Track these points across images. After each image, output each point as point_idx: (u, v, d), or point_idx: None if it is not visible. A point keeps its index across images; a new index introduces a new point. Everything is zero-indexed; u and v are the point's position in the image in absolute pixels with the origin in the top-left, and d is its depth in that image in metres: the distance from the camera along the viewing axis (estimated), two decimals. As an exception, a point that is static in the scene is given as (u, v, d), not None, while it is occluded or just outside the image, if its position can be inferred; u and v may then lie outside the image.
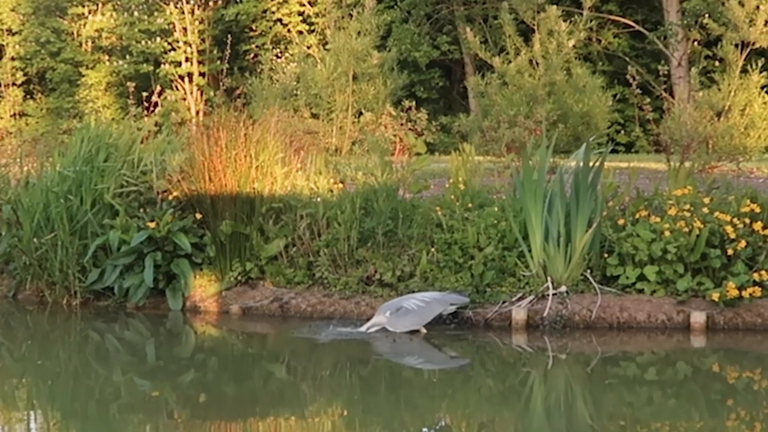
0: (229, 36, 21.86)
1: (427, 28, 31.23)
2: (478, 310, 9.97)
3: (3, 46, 35.30)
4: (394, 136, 19.27)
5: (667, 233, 9.84)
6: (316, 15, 31.07)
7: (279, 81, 26.20)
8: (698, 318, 9.58)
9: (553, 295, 9.93)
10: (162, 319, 11.16)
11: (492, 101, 19.54)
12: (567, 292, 9.99)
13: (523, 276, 10.19)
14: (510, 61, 21.32)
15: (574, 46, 21.91)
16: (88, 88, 34.03)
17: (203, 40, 33.76)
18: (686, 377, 8.59)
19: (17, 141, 20.88)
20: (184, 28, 33.38)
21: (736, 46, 19.27)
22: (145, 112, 14.95)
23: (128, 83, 17.01)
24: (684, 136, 13.99)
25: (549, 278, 10.06)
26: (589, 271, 10.17)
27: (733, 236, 9.75)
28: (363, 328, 9.81)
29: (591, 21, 25.52)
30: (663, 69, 18.50)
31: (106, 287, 11.63)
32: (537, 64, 21.04)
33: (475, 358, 9.34)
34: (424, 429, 7.08)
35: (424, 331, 9.76)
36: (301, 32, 31.24)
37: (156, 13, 33.54)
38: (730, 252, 9.75)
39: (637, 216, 10.32)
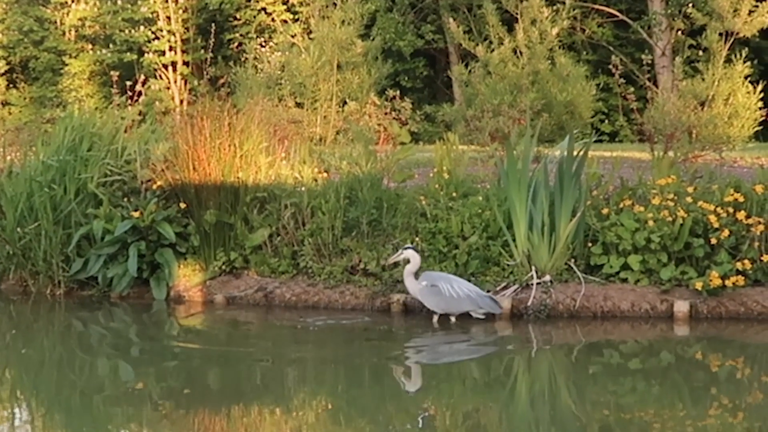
0: (213, 25, 21.86)
1: (412, 18, 31.22)
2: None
3: (-14, 35, 35.18)
4: (379, 125, 19.31)
5: (650, 222, 9.86)
6: (300, 4, 31.02)
7: (263, 70, 26.17)
8: (681, 307, 9.61)
9: (537, 284, 9.96)
10: (146, 308, 11.15)
11: (476, 90, 19.55)
12: (551, 281, 10.02)
13: (508, 265, 10.20)
14: (493, 50, 21.32)
15: (557, 35, 21.93)
16: (71, 77, 33.93)
17: (187, 29, 33.70)
18: (670, 366, 8.61)
19: (0, 130, 20.80)
20: (168, 17, 33.30)
21: (720, 35, 19.29)
22: (129, 101, 14.89)
23: (112, 72, 16.97)
24: (668, 126, 14.04)
25: (533, 267, 10.08)
26: (573, 260, 10.19)
27: (716, 225, 9.78)
28: (408, 285, 9.83)
29: (574, 10, 25.55)
30: (646, 58, 18.54)
31: (90, 277, 11.62)
32: (520, 53, 21.05)
33: (458, 345, 9.36)
34: (409, 418, 7.08)
35: (435, 322, 9.74)
36: (285, 21, 31.20)
37: (139, 2, 33.47)
38: (713, 241, 9.78)
39: (620, 205, 10.34)
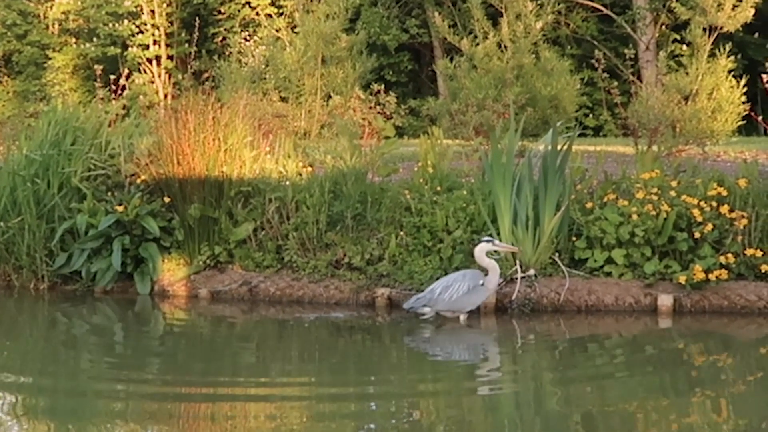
0: (197, 19, 21.80)
1: (396, 12, 31.23)
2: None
3: (-32, 28, 35.04)
4: (363, 119, 19.26)
5: (634, 216, 9.89)
6: (285, -2, 30.99)
7: (247, 64, 26.12)
8: (665, 301, 9.64)
9: (522, 278, 9.97)
10: (130, 303, 11.14)
11: (461, 85, 19.50)
12: (535, 275, 10.03)
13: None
14: (478, 45, 21.29)
15: (542, 29, 21.91)
16: (55, 71, 33.83)
17: (171, 23, 33.63)
18: (653, 359, 8.63)
19: (-17, 124, 20.72)
20: (152, 11, 33.22)
21: (704, 30, 19.32)
22: (113, 95, 14.86)
23: (95, 66, 16.93)
24: (651, 120, 14.07)
25: (517, 261, 10.08)
26: (557, 254, 10.21)
27: (700, 219, 9.81)
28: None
29: (559, 4, 25.56)
30: (630, 53, 18.57)
31: (74, 271, 11.60)
32: (505, 47, 21.03)
33: (443, 342, 9.36)
34: (393, 409, 7.08)
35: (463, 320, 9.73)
36: (269, 15, 31.15)
37: (123, -5, 33.37)
38: (697, 235, 9.82)
39: (605, 199, 10.36)
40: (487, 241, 9.62)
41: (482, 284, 9.49)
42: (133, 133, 12.47)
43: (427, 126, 15.86)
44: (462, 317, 9.55)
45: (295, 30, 26.86)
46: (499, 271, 9.62)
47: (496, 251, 9.71)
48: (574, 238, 10.28)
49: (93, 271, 11.43)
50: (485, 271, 9.59)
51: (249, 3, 31.90)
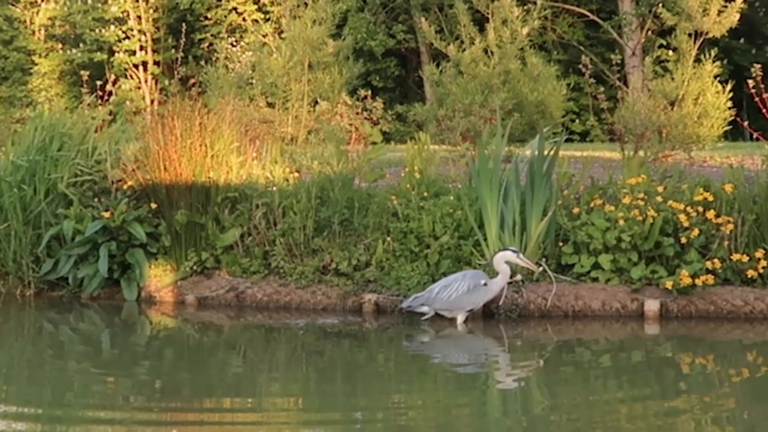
0: (183, 24, 21.77)
1: (383, 17, 31.24)
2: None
3: (-46, 34, 34.93)
4: (350, 125, 19.27)
5: (621, 222, 9.90)
6: (272, 3, 30.98)
7: (234, 70, 26.09)
8: (652, 306, 9.66)
9: (509, 283, 9.97)
10: (117, 309, 11.11)
11: (447, 90, 19.53)
12: (522, 280, 10.04)
13: (479, 265, 10.21)
14: (465, 50, 21.32)
15: (528, 34, 21.95)
16: (41, 76, 33.73)
17: (158, 29, 33.58)
18: (640, 364, 8.65)
19: (-31, 130, 20.65)
20: (139, 17, 33.18)
21: (690, 35, 19.37)
22: (100, 101, 14.82)
23: (82, 72, 16.88)
24: (638, 125, 14.09)
25: (504, 267, 10.09)
26: (544, 259, 10.22)
27: (686, 225, 9.83)
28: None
29: (545, 10, 25.61)
30: (616, 58, 18.61)
31: (61, 277, 11.57)
32: (492, 53, 21.06)
33: (430, 349, 9.37)
34: (380, 414, 7.07)
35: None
36: (256, 21, 31.14)
37: (110, 1, 33.28)
38: (683, 240, 9.83)
39: (591, 205, 10.38)
40: (514, 252, 9.68)
41: (484, 284, 9.54)
42: (119, 138, 12.45)
43: (414, 131, 15.87)
44: (460, 318, 9.60)
45: (282, 36, 26.84)
46: (509, 276, 9.69)
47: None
48: (560, 244, 10.29)
49: (80, 278, 11.42)
50: (494, 274, 9.65)
51: (236, 9, 31.89)
